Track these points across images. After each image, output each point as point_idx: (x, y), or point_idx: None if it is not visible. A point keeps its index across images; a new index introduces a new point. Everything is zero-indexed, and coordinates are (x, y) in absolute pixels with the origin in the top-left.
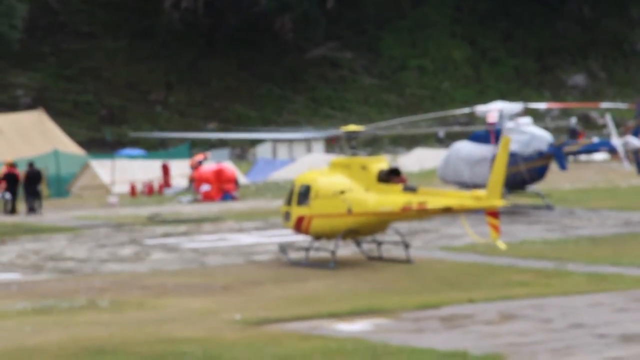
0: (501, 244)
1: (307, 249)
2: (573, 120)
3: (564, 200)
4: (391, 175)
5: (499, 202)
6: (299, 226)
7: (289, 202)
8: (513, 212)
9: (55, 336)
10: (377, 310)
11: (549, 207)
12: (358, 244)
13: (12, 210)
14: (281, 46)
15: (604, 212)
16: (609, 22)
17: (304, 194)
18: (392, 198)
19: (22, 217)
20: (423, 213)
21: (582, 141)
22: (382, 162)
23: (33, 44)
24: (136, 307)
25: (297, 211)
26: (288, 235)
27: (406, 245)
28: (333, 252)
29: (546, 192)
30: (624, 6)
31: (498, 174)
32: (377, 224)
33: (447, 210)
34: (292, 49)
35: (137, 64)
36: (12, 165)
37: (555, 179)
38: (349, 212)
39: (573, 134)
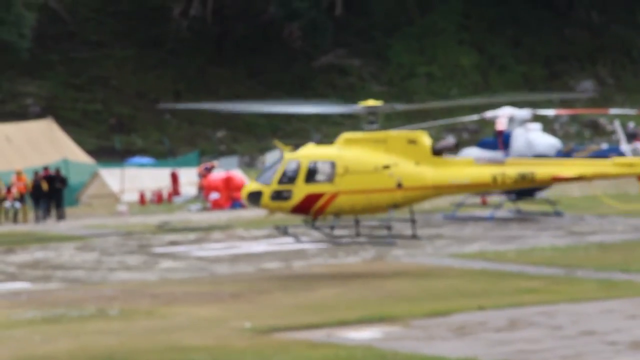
0: None
1: (331, 227)
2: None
3: (573, 206)
4: (451, 149)
5: None
6: (307, 205)
7: (290, 180)
8: (522, 218)
9: (65, 345)
10: (386, 318)
11: (558, 214)
12: (332, 228)
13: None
14: (289, 54)
15: (614, 218)
16: (617, 29)
17: (318, 171)
18: (472, 170)
19: (31, 226)
20: (525, 183)
21: (591, 147)
22: (427, 136)
23: (42, 53)
24: (145, 315)
25: (304, 189)
26: (296, 244)
27: (413, 221)
28: (389, 228)
29: (555, 198)
30: (632, 12)
31: None
32: (428, 197)
33: (579, 179)
34: (300, 56)
35: (146, 73)
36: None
37: (564, 186)
38: (399, 186)
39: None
